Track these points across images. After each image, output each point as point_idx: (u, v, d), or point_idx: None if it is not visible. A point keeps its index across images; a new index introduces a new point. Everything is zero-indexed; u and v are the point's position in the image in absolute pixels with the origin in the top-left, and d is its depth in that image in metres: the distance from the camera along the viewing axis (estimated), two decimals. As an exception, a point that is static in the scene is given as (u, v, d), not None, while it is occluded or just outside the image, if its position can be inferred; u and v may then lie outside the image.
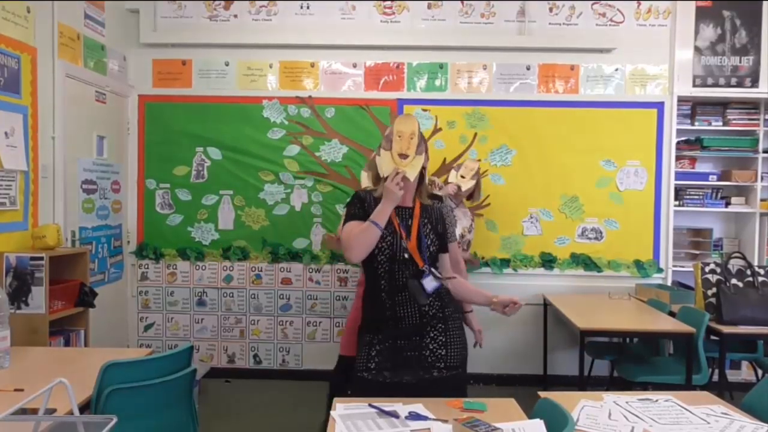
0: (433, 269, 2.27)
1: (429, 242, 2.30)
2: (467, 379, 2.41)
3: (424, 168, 2.30)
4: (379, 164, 2.27)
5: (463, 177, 3.93)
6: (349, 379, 2.42)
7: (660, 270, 4.67)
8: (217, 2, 4.69)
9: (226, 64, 4.73)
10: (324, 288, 4.74)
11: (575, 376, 3.77)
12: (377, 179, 2.30)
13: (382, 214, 2.19)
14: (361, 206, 2.29)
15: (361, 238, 2.20)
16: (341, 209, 4.61)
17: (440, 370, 2.26)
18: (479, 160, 4.57)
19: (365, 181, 3.64)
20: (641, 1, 4.66)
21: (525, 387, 4.42)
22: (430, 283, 2.23)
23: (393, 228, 2.25)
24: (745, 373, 4.65)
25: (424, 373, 2.25)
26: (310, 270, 4.72)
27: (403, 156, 2.22)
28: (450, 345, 2.30)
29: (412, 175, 2.22)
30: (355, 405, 2.01)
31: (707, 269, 3.77)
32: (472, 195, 4.07)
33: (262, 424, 3.88)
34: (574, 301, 4.17)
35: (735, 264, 3.78)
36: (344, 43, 4.65)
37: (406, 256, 2.25)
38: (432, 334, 2.28)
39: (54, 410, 1.79)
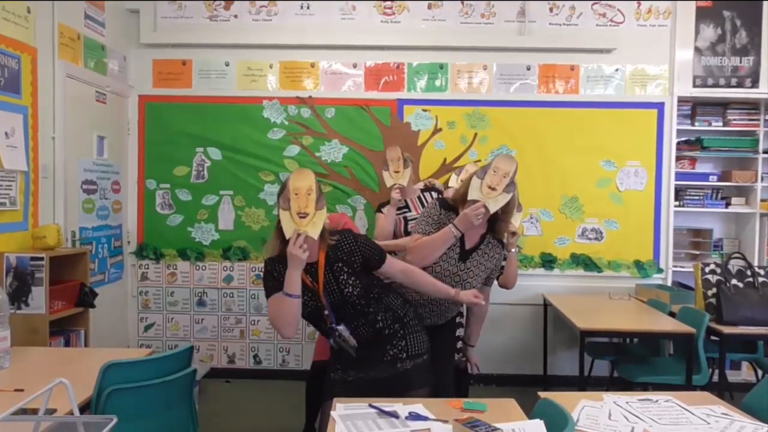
0: (339, 328, 2.22)
1: (351, 288, 2.21)
2: (430, 363, 2.40)
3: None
4: (282, 225, 2.14)
5: (462, 181, 3.87)
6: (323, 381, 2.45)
7: (660, 270, 4.67)
8: (217, 2, 4.69)
9: (227, 65, 4.73)
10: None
11: (575, 376, 3.76)
12: (283, 242, 2.16)
13: (292, 282, 2.10)
14: (273, 279, 2.20)
15: (283, 315, 2.14)
16: (341, 209, 4.62)
17: (403, 361, 2.29)
18: (479, 161, 4.58)
19: (389, 179, 3.62)
20: (641, 2, 4.66)
21: (525, 387, 4.41)
22: (346, 333, 2.22)
23: (306, 286, 2.18)
24: (745, 373, 4.65)
25: (387, 366, 2.29)
26: None
27: (303, 215, 2.11)
28: (409, 338, 2.32)
29: (315, 233, 2.11)
30: (355, 405, 2.01)
31: (707, 269, 3.77)
32: None
33: (262, 425, 3.88)
34: (574, 302, 4.17)
35: (735, 264, 3.78)
36: (344, 43, 4.66)
37: (326, 313, 2.23)
38: (393, 342, 2.31)
39: (54, 410, 1.79)
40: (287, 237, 2.10)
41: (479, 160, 4.58)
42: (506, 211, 2.54)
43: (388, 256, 2.33)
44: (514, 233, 3.10)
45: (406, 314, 2.36)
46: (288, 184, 2.14)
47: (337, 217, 3.55)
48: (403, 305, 2.38)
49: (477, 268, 2.58)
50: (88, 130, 4.12)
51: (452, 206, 2.61)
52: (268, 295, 2.21)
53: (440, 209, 2.61)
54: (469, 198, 2.46)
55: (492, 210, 2.36)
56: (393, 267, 2.34)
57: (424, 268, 2.49)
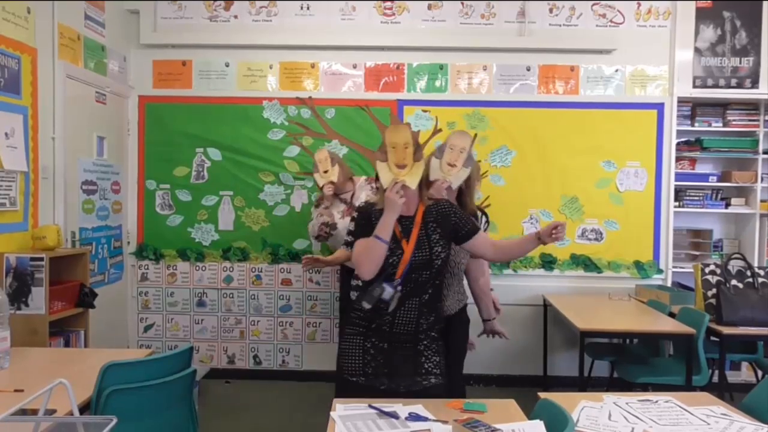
0: (390, 285, 2.20)
1: (440, 249, 2.27)
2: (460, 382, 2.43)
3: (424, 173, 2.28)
4: (380, 176, 2.27)
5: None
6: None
7: (660, 271, 4.67)
8: (217, 3, 4.69)
9: (227, 65, 4.73)
10: (324, 289, 4.74)
11: (575, 376, 3.76)
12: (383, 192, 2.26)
13: (385, 226, 2.18)
14: (367, 223, 2.29)
15: (368, 255, 2.20)
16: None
17: (437, 377, 2.28)
18: (480, 161, 4.58)
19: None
20: (641, 2, 4.66)
21: (525, 388, 4.41)
22: (388, 291, 2.21)
23: (397, 239, 2.25)
24: (745, 374, 4.65)
25: (421, 380, 2.26)
26: (310, 271, 4.71)
27: (401, 166, 2.21)
28: (442, 353, 2.33)
29: (413, 183, 2.21)
30: (354, 406, 2.01)
31: (707, 270, 3.77)
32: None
33: (262, 425, 3.88)
34: (574, 302, 4.17)
35: (735, 265, 3.78)
36: (344, 43, 4.66)
37: (396, 270, 2.23)
38: (425, 343, 2.30)
39: (54, 411, 1.78)
40: (385, 186, 2.22)
41: (479, 161, 4.58)
42: (469, 185, 2.60)
43: (481, 230, 2.35)
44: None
45: (440, 316, 2.39)
46: (384, 139, 2.26)
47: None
48: (439, 308, 2.39)
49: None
50: (88, 130, 4.12)
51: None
52: (357, 237, 2.30)
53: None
54: (431, 178, 2.47)
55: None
56: (486, 241, 2.36)
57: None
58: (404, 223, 2.28)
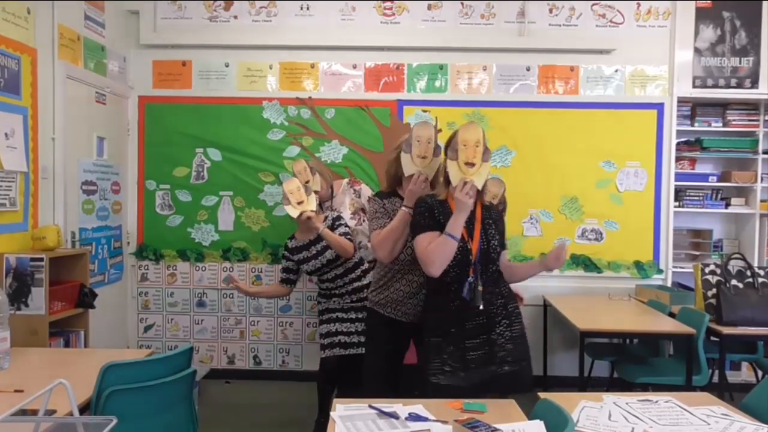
0: (474, 279, 2.30)
1: (496, 243, 2.37)
2: (531, 371, 2.50)
3: None
4: (449, 173, 2.31)
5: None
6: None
7: (660, 271, 4.67)
8: (217, 3, 4.70)
9: (226, 65, 4.73)
10: (324, 289, 4.74)
11: (575, 377, 3.76)
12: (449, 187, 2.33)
13: (458, 225, 2.24)
14: (430, 215, 2.33)
15: (441, 252, 2.24)
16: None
17: (510, 364, 2.33)
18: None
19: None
20: (641, 1, 4.66)
21: (525, 388, 4.41)
22: (470, 289, 2.28)
23: (462, 235, 2.30)
24: (745, 374, 4.65)
25: (496, 368, 2.31)
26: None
27: (470, 165, 2.26)
28: (515, 339, 2.39)
29: (480, 183, 2.27)
30: (354, 406, 2.01)
31: (707, 270, 3.77)
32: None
33: (262, 426, 3.87)
34: (574, 302, 4.17)
35: (735, 265, 3.78)
36: (344, 44, 4.66)
37: (471, 260, 2.31)
38: (498, 330, 2.35)
39: (54, 411, 1.78)
40: (453, 185, 2.25)
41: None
42: (440, 172, 2.62)
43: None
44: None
45: (511, 299, 2.45)
46: (456, 136, 2.31)
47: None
48: (510, 292, 2.46)
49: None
50: (88, 130, 4.12)
51: (389, 193, 2.67)
52: (419, 229, 2.32)
53: (382, 200, 2.65)
54: (406, 174, 2.52)
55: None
56: (505, 259, 2.48)
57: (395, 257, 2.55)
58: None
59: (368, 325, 2.86)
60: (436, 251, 2.25)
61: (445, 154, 2.41)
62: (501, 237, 2.45)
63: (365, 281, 3.55)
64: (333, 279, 3.56)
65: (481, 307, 2.27)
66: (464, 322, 2.30)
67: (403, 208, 2.48)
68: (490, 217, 2.42)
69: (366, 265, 3.66)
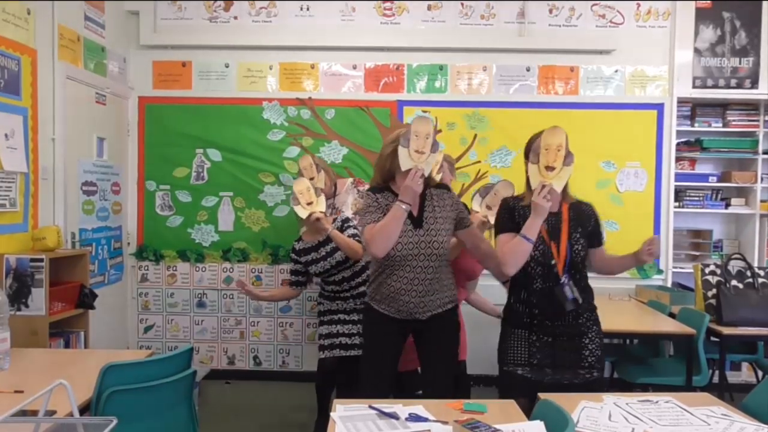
0: (570, 281, 2.37)
1: (579, 247, 2.40)
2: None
3: None
4: (530, 177, 2.38)
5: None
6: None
7: (660, 271, 4.67)
8: (216, 4, 4.70)
9: (226, 66, 4.73)
10: (324, 289, 4.74)
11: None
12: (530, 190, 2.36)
13: (534, 228, 2.29)
14: (510, 217, 2.40)
15: (516, 254, 2.30)
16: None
17: (599, 371, 2.39)
18: (478, 161, 4.59)
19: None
20: (641, 1, 4.66)
21: (525, 388, 4.41)
22: (570, 291, 2.35)
23: (542, 236, 2.35)
24: (745, 374, 4.65)
25: (584, 372, 2.36)
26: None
27: (550, 168, 2.30)
28: (602, 347, 2.44)
29: (560, 186, 2.31)
30: (355, 406, 2.01)
31: (707, 270, 3.77)
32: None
33: (262, 426, 3.88)
34: (574, 303, 4.16)
35: (735, 265, 3.78)
36: (344, 44, 4.66)
37: (553, 263, 2.35)
38: (590, 336, 2.40)
39: (54, 412, 1.78)
40: (533, 187, 2.31)
41: (478, 161, 4.59)
42: (442, 169, 2.68)
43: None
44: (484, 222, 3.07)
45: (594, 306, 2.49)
46: (539, 140, 2.36)
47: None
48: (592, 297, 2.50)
49: (437, 223, 2.57)
50: (88, 131, 4.12)
51: (382, 188, 2.65)
52: (500, 231, 2.42)
53: (375, 195, 2.62)
54: (403, 169, 2.50)
55: (427, 172, 2.39)
56: (603, 254, 2.54)
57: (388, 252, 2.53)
58: (549, 219, 2.37)
59: (364, 321, 2.84)
60: (510, 252, 2.31)
61: (526, 157, 2.44)
62: (591, 238, 2.47)
63: None
64: (340, 282, 3.52)
65: (569, 309, 2.33)
66: (553, 321, 2.36)
67: (398, 203, 2.45)
68: (578, 219, 2.44)
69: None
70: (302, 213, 3.37)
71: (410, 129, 2.51)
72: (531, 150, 2.41)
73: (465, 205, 2.78)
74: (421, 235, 2.55)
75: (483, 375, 4.64)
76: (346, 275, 3.51)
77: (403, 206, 2.44)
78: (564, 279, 2.35)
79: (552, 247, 2.36)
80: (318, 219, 3.31)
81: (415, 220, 2.57)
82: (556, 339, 2.37)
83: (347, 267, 3.49)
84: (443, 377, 2.65)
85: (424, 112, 4.68)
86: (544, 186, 2.27)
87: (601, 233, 2.51)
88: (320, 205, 3.37)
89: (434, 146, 2.51)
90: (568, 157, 2.33)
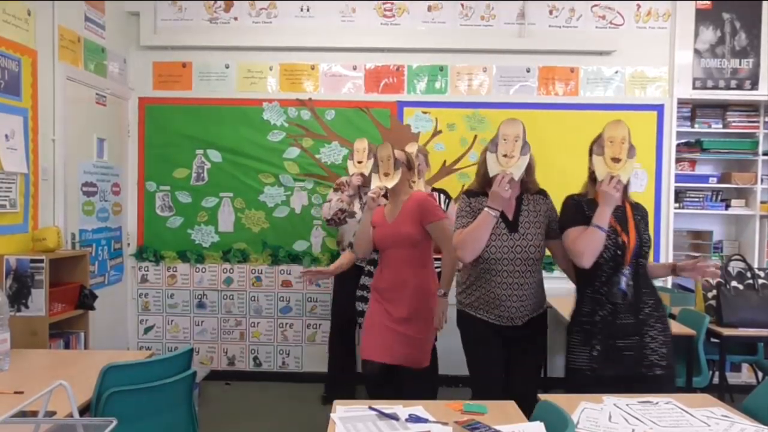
0: (625, 274, 2.40)
1: (647, 238, 2.47)
2: (675, 376, 2.59)
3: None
4: (595, 168, 2.42)
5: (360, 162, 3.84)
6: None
7: (660, 272, 4.66)
8: (217, 4, 4.70)
9: (226, 67, 4.73)
10: (324, 290, 4.74)
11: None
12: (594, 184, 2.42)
13: (604, 217, 2.33)
14: (578, 211, 2.44)
15: (591, 244, 2.33)
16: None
17: (663, 368, 2.39)
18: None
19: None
20: (641, 2, 4.66)
21: (525, 389, 4.40)
22: (624, 283, 2.38)
23: (612, 227, 2.39)
24: (745, 375, 4.64)
25: (647, 371, 2.37)
26: (311, 282, 4.68)
27: (616, 160, 2.36)
28: (667, 344, 2.45)
29: (626, 177, 2.36)
30: (355, 407, 2.00)
31: (707, 271, 3.76)
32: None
33: (262, 427, 3.87)
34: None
35: (735, 266, 3.78)
36: (344, 45, 4.66)
37: (620, 253, 2.39)
38: (652, 334, 2.41)
39: (54, 413, 1.78)
40: (599, 178, 2.37)
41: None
42: (528, 171, 2.62)
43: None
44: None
45: (660, 301, 2.51)
46: (603, 134, 2.43)
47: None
48: (659, 308, 2.52)
49: (532, 228, 2.60)
50: (88, 132, 4.13)
51: (478, 192, 2.64)
52: (568, 225, 2.46)
53: (468, 199, 2.64)
54: (491, 174, 2.49)
55: (517, 177, 2.41)
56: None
57: (480, 255, 2.53)
58: (615, 213, 2.41)
59: (462, 329, 2.77)
60: (584, 242, 2.34)
61: (591, 151, 2.46)
62: (646, 233, 2.52)
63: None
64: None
65: (615, 300, 2.37)
66: (617, 315, 2.38)
67: (486, 208, 2.45)
68: (639, 214, 2.51)
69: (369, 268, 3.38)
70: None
71: (498, 132, 2.50)
72: (595, 143, 2.45)
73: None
74: (516, 239, 2.56)
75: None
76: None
77: (492, 212, 2.45)
78: (626, 270, 2.39)
79: (623, 237, 2.41)
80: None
81: (511, 224, 2.58)
82: (615, 341, 2.40)
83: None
84: (531, 383, 2.66)
85: (424, 113, 4.68)
86: (612, 176, 2.32)
87: (650, 237, 2.55)
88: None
89: (524, 148, 2.49)
90: (632, 150, 2.38)
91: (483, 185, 2.61)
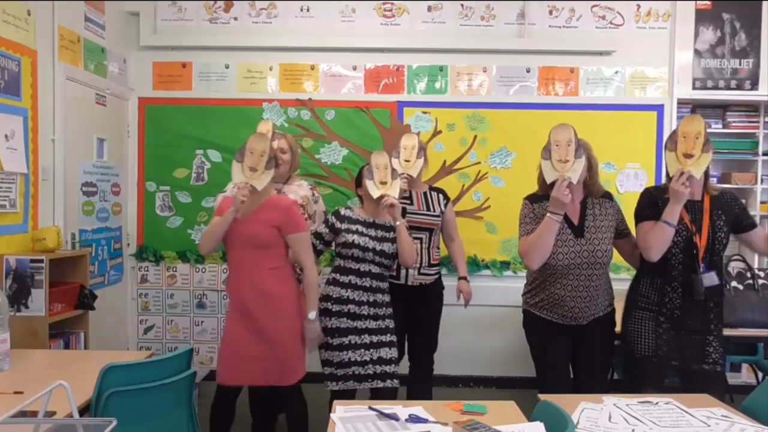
0: (707, 271, 2.41)
1: (723, 235, 2.45)
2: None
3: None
4: (668, 164, 2.44)
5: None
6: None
7: (660, 272, 4.66)
8: (217, 5, 4.70)
9: (226, 67, 4.73)
10: (324, 290, 4.73)
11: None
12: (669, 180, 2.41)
13: (674, 213, 2.36)
14: (653, 205, 2.47)
15: (656, 238, 2.37)
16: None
17: (722, 366, 2.42)
18: (478, 162, 4.60)
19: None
20: (641, 2, 4.66)
21: (525, 389, 4.40)
22: (710, 279, 2.39)
23: (684, 223, 2.41)
24: (745, 375, 4.64)
25: (708, 368, 2.40)
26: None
27: (688, 156, 2.36)
28: (723, 343, 2.46)
29: (698, 173, 2.36)
30: (355, 407, 2.00)
31: (707, 272, 3.76)
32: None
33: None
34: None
35: (735, 267, 3.77)
36: (344, 45, 4.66)
37: (694, 251, 2.40)
38: (716, 333, 2.43)
39: (54, 413, 1.78)
40: (670, 174, 2.38)
41: (478, 162, 4.60)
42: (590, 173, 2.63)
43: (759, 226, 2.58)
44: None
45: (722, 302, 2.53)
46: (677, 129, 2.44)
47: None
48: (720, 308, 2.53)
49: (599, 233, 2.61)
50: (88, 132, 4.12)
51: (541, 196, 2.66)
52: (642, 219, 2.51)
53: (531, 205, 2.67)
54: (548, 181, 2.50)
55: (575, 181, 2.41)
56: (761, 237, 2.55)
57: (546, 262, 2.55)
58: (690, 207, 2.43)
59: (527, 329, 2.83)
60: (652, 237, 2.37)
61: (666, 147, 2.46)
62: (740, 221, 2.50)
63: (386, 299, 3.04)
64: (362, 274, 2.93)
65: (699, 298, 2.37)
66: (687, 309, 2.40)
67: (549, 214, 2.47)
68: (721, 208, 2.48)
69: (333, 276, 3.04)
70: (374, 191, 2.89)
71: (550, 139, 2.51)
72: (669, 139, 2.46)
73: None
74: (582, 244, 2.57)
75: (483, 376, 4.64)
76: (375, 271, 2.93)
77: (554, 217, 2.46)
78: (702, 268, 2.40)
79: (695, 236, 2.41)
80: (392, 205, 2.84)
81: (576, 229, 2.59)
82: (683, 331, 2.42)
83: (386, 266, 2.98)
84: (596, 383, 2.65)
85: (424, 113, 4.68)
86: (682, 173, 2.32)
87: (748, 216, 2.54)
88: (394, 189, 2.89)
89: (578, 152, 2.48)
90: (707, 145, 2.37)
91: (545, 189, 2.60)
